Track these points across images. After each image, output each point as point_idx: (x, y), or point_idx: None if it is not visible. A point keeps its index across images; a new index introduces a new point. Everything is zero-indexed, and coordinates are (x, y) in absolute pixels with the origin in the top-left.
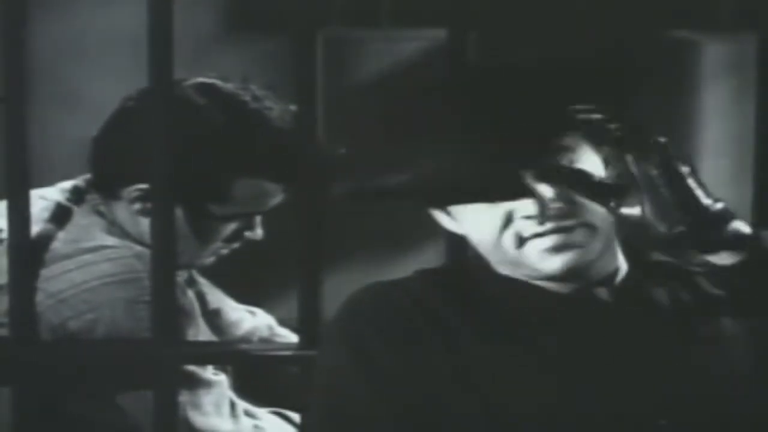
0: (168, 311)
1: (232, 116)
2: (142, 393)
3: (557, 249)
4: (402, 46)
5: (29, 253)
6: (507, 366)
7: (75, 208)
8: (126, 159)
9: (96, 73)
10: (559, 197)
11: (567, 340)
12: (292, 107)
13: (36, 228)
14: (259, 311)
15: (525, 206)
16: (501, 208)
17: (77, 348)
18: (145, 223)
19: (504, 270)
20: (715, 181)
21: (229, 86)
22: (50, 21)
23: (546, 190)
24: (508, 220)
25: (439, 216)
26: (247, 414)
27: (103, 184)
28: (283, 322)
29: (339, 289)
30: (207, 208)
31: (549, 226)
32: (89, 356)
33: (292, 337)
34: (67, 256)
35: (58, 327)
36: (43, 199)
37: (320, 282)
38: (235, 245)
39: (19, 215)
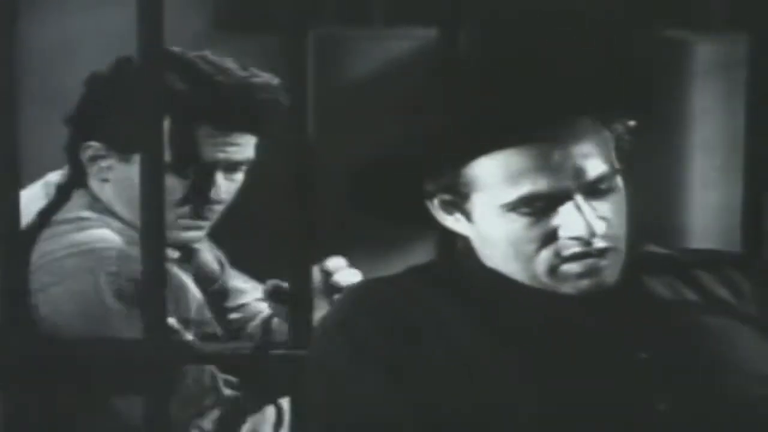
0: (154, 289)
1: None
2: (137, 393)
3: (585, 274)
4: (393, 44)
5: (18, 246)
6: (501, 359)
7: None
8: (79, 118)
9: (86, 72)
10: (603, 219)
11: (560, 332)
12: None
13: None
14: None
15: (573, 226)
16: (547, 223)
17: (68, 346)
18: (108, 189)
19: (515, 275)
20: (705, 180)
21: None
22: (40, 21)
23: (597, 209)
24: (552, 237)
25: (440, 214)
26: None
27: (68, 153)
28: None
29: None
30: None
31: (586, 248)
32: (80, 354)
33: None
34: (45, 228)
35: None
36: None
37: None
38: (212, 213)
39: (9, 212)
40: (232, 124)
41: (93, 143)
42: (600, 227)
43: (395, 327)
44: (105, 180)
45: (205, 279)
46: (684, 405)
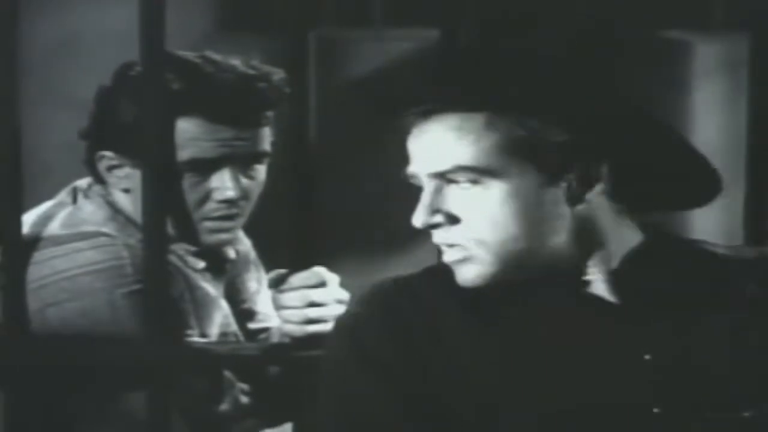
0: (157, 293)
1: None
2: (139, 394)
3: (460, 262)
4: (393, 45)
5: (21, 252)
6: (505, 362)
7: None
8: (91, 129)
9: (89, 72)
10: (446, 214)
11: (566, 335)
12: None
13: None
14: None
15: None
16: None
17: (72, 347)
18: (130, 200)
19: None
20: None
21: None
22: (42, 20)
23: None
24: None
25: None
26: None
27: (87, 165)
28: None
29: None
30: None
31: (443, 240)
32: (83, 356)
33: None
34: (60, 242)
35: (36, 313)
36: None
37: None
38: (228, 211)
39: (13, 215)
40: (234, 119)
41: (106, 153)
42: (436, 219)
43: (400, 331)
44: (126, 190)
45: (236, 296)
46: (680, 409)
